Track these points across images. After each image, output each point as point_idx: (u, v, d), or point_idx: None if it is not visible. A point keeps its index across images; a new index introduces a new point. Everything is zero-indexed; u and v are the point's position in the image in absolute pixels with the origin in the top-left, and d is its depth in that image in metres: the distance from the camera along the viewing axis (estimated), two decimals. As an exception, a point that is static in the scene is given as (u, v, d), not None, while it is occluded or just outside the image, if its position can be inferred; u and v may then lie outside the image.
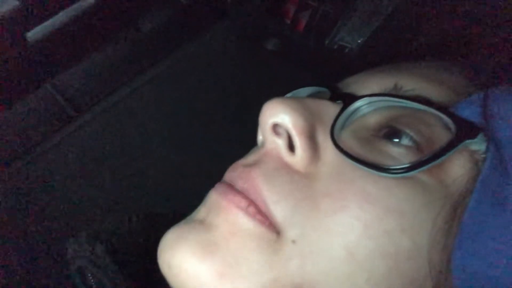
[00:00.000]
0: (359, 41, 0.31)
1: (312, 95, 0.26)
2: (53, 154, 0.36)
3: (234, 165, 0.23)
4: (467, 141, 0.19)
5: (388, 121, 0.21)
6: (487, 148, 0.19)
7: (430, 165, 0.19)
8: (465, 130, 0.19)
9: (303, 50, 0.36)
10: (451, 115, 0.20)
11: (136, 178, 0.35)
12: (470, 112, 0.20)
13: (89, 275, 0.30)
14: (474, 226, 0.19)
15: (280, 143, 0.21)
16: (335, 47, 0.33)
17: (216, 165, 0.27)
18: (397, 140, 0.21)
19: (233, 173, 0.22)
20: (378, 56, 0.29)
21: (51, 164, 0.36)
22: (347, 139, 0.21)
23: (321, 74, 0.38)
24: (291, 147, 0.21)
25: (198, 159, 0.37)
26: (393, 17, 0.27)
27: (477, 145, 0.20)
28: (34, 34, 0.26)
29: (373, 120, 0.22)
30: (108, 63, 0.34)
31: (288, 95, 0.26)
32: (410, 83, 0.22)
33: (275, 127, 0.21)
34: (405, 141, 0.20)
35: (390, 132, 0.21)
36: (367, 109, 0.22)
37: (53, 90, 0.35)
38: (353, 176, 0.20)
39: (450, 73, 0.23)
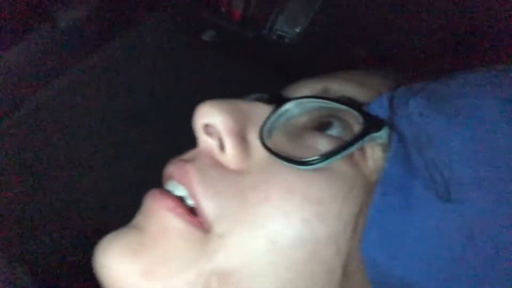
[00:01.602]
0: (297, 30, 0.30)
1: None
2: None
3: (172, 161, 0.24)
4: (373, 133, 0.21)
5: (317, 118, 0.23)
6: (390, 141, 0.21)
7: (339, 154, 0.20)
8: (371, 124, 0.21)
9: (240, 40, 0.34)
10: (360, 111, 0.21)
11: (66, 190, 0.32)
12: (380, 109, 0.21)
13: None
14: (378, 217, 0.19)
15: (211, 143, 0.23)
16: (274, 37, 0.32)
17: (156, 168, 0.26)
18: (326, 131, 0.23)
19: (170, 166, 0.24)
20: (316, 47, 0.28)
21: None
22: (279, 138, 0.23)
23: (261, 64, 0.36)
24: (222, 146, 0.23)
25: (135, 164, 0.35)
26: (327, 5, 0.26)
27: (383, 138, 0.21)
28: None
29: (304, 119, 0.24)
30: (22, 64, 0.30)
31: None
32: (337, 87, 0.24)
33: (207, 128, 0.23)
34: (333, 131, 0.23)
35: (321, 123, 0.23)
36: (297, 110, 0.23)
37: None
38: (278, 170, 0.21)
39: (373, 75, 0.25)
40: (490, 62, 0.23)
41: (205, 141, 0.23)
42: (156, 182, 0.26)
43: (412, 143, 0.20)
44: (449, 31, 0.25)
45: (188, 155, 0.24)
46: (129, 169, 0.35)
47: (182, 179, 0.22)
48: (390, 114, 0.21)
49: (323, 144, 0.22)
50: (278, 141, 0.23)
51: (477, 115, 0.20)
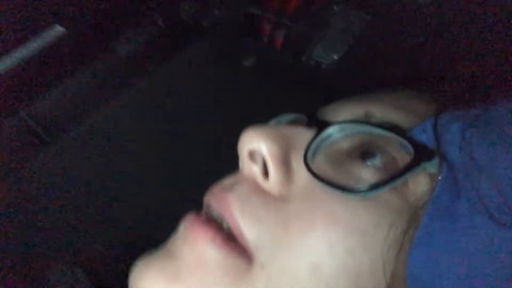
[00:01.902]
0: (335, 57, 0.31)
1: (292, 121, 0.28)
2: (29, 181, 0.35)
3: (212, 187, 0.24)
4: (424, 163, 0.21)
5: (360, 144, 0.23)
6: (440, 169, 0.21)
7: (389, 185, 0.20)
8: (422, 154, 0.21)
9: (280, 67, 0.36)
10: (410, 140, 0.21)
11: (117, 203, 0.34)
12: (425, 136, 0.21)
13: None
14: (425, 239, 0.20)
15: (255, 169, 0.23)
16: (312, 63, 0.34)
17: (199, 188, 0.27)
18: (369, 161, 0.22)
19: (210, 196, 0.23)
20: (353, 72, 0.29)
21: (27, 191, 0.35)
22: (321, 163, 0.22)
23: (300, 90, 0.38)
24: (266, 172, 0.22)
25: (180, 183, 0.37)
26: (363, 36, 0.27)
27: (434, 167, 0.21)
28: (3, 64, 0.26)
29: (346, 144, 0.23)
30: (84, 87, 0.34)
31: (270, 122, 0.28)
32: (379, 111, 0.23)
33: (251, 154, 0.23)
34: (376, 161, 0.22)
35: (363, 152, 0.22)
36: (339, 135, 0.23)
37: (27, 118, 0.34)
38: (323, 198, 0.21)
39: (416, 100, 0.25)
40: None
41: (248, 167, 0.23)
42: (199, 200, 0.27)
43: (459, 168, 0.20)
44: (490, 60, 0.25)
45: (229, 181, 0.24)
46: (175, 187, 0.37)
47: (221, 206, 0.22)
48: (435, 140, 0.21)
49: (367, 174, 0.22)
50: (321, 167, 0.22)
51: None
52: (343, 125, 0.23)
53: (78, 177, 0.35)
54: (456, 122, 0.21)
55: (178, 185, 0.37)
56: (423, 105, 0.24)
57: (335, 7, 0.26)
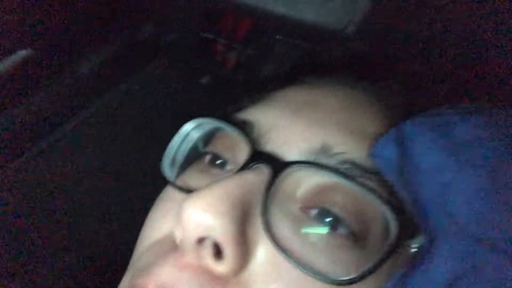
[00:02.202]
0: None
1: (216, 130, 0.25)
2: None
3: (147, 279, 0.18)
4: (407, 242, 0.19)
5: (317, 194, 0.20)
6: (421, 244, 0.19)
7: (372, 273, 0.18)
8: (406, 230, 0.19)
9: (232, 84, 0.40)
10: (396, 212, 0.19)
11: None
12: (388, 151, 0.20)
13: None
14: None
15: (205, 255, 0.18)
16: (262, 80, 0.38)
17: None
18: (333, 229, 0.19)
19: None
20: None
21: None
22: (278, 224, 0.19)
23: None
24: (217, 253, 0.18)
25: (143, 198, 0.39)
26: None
27: (416, 243, 0.20)
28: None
29: (301, 190, 0.20)
30: (47, 104, 0.35)
31: (189, 125, 0.25)
32: (339, 143, 0.21)
33: (201, 239, 0.18)
34: (342, 230, 0.19)
35: (322, 216, 0.20)
36: (297, 182, 0.20)
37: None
38: (291, 279, 0.18)
39: (364, 115, 0.23)
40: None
41: (196, 255, 0.18)
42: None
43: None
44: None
45: (166, 269, 0.19)
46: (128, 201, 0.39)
47: None
48: (402, 157, 0.20)
49: (334, 243, 0.19)
50: (280, 229, 0.19)
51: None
52: (302, 166, 0.20)
53: (42, 194, 0.36)
54: (418, 137, 0.20)
55: (132, 199, 0.39)
56: (371, 119, 0.23)
57: (277, 36, 0.30)
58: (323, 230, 0.19)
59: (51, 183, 0.37)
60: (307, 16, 0.28)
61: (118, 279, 0.22)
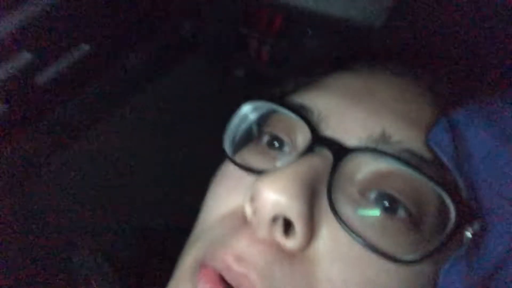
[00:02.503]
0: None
1: (272, 112, 0.27)
2: (47, 181, 0.40)
3: (224, 252, 0.20)
4: (465, 228, 0.20)
5: (375, 179, 0.21)
6: (476, 229, 0.20)
7: (432, 255, 0.19)
8: (464, 216, 0.20)
9: (266, 77, 0.43)
10: (454, 197, 0.20)
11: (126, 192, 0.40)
12: (443, 138, 0.21)
13: (93, 282, 0.35)
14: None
15: (276, 232, 0.20)
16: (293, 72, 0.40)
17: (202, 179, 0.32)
18: (391, 211, 0.20)
19: (226, 265, 0.20)
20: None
21: (49, 189, 0.40)
22: (341, 206, 0.20)
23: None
24: (286, 229, 0.20)
25: (183, 175, 0.43)
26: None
27: (472, 229, 0.20)
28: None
29: (360, 175, 0.21)
30: (96, 97, 0.39)
31: (247, 107, 0.26)
32: (398, 132, 0.22)
33: (275, 217, 0.20)
34: (400, 213, 0.20)
35: (381, 198, 0.21)
36: (358, 166, 0.21)
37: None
38: (353, 256, 0.20)
39: (421, 106, 0.23)
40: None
41: (269, 230, 0.20)
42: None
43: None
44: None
45: (240, 244, 0.20)
46: (178, 178, 0.43)
47: (244, 286, 0.19)
48: (455, 146, 0.20)
49: (393, 226, 0.20)
50: (343, 211, 0.20)
51: None
52: (363, 152, 0.21)
53: (89, 176, 0.41)
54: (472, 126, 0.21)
55: (182, 178, 0.43)
56: (428, 109, 0.23)
57: (309, 31, 0.32)
58: (382, 212, 0.21)
59: (108, 157, 0.41)
60: (336, 11, 0.30)
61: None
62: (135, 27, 0.40)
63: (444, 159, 0.21)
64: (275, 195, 0.19)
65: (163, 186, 0.43)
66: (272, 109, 0.26)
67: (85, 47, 0.33)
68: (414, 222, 0.20)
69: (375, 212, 0.21)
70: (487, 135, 0.21)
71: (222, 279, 0.20)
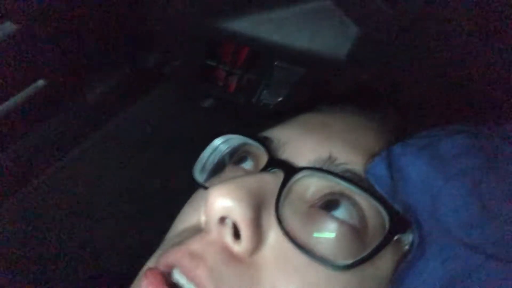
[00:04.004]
0: (279, 99, 0.38)
1: (242, 145, 0.30)
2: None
3: (178, 249, 0.22)
4: (399, 236, 0.22)
5: (322, 195, 0.24)
6: (413, 240, 0.22)
7: (367, 260, 0.21)
8: (398, 225, 0.22)
9: (234, 107, 0.42)
10: (387, 208, 0.22)
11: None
12: (380, 170, 0.23)
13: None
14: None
15: (225, 234, 0.22)
16: (261, 104, 0.40)
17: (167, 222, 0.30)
18: (334, 212, 0.23)
19: (175, 259, 0.22)
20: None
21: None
22: (288, 217, 0.22)
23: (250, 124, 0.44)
24: (236, 234, 0.22)
25: (148, 211, 0.41)
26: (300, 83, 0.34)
27: (407, 237, 0.22)
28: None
29: (310, 192, 0.24)
30: (55, 132, 0.37)
31: (219, 140, 0.30)
32: (343, 156, 0.24)
33: (222, 218, 0.22)
34: (342, 214, 0.23)
35: (327, 203, 0.23)
36: (306, 183, 0.24)
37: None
38: (297, 264, 0.21)
39: (368, 135, 0.27)
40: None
41: (218, 231, 0.22)
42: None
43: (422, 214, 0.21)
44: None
45: (194, 245, 0.22)
46: (144, 221, 0.41)
47: (193, 279, 0.21)
48: (391, 177, 0.22)
49: (332, 227, 0.22)
50: (289, 221, 0.22)
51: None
52: (311, 171, 0.23)
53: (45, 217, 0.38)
54: (409, 156, 0.23)
55: (148, 219, 0.41)
56: (373, 138, 0.26)
57: (276, 62, 0.32)
58: (328, 224, 0.22)
59: (58, 206, 0.38)
60: (301, 43, 0.30)
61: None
62: (97, 59, 0.39)
63: (379, 190, 0.23)
64: (221, 198, 0.21)
65: (127, 225, 0.41)
66: (242, 141, 0.29)
67: (41, 83, 0.31)
68: (357, 232, 0.22)
69: (322, 224, 0.22)
70: (422, 161, 0.23)
71: (166, 281, 0.21)
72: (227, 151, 0.31)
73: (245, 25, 0.30)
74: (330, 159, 0.24)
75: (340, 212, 0.23)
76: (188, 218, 0.26)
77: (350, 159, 0.24)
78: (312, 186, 0.24)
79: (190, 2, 0.32)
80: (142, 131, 0.45)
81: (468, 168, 0.22)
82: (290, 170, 0.24)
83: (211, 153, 0.30)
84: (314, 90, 0.33)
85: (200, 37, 0.34)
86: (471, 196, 0.21)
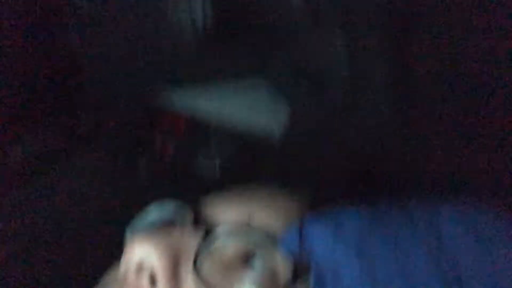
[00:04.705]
0: (215, 169, 0.38)
1: (174, 212, 0.30)
2: None
3: None
4: (301, 278, 0.24)
5: (239, 253, 0.25)
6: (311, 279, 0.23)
7: None
8: (299, 269, 0.24)
9: (170, 174, 0.41)
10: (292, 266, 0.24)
11: None
12: (291, 238, 0.25)
13: None
14: None
15: (142, 279, 0.23)
16: (197, 173, 0.40)
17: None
18: (251, 264, 0.24)
19: None
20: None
21: None
22: (208, 268, 0.24)
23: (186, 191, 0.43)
24: (154, 281, 0.23)
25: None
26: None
27: (307, 280, 0.24)
28: None
29: (229, 251, 0.25)
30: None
31: (154, 205, 0.30)
32: (260, 220, 0.27)
33: (139, 266, 0.23)
34: (257, 262, 0.24)
35: (246, 252, 0.25)
36: (225, 240, 0.25)
37: None
38: None
39: (285, 200, 0.29)
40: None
41: (135, 279, 0.24)
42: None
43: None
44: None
45: None
46: None
47: None
48: (300, 244, 0.25)
49: (248, 279, 0.24)
50: (209, 272, 0.24)
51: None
52: (229, 231, 0.25)
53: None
54: (320, 228, 0.25)
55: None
56: (289, 204, 0.29)
57: (213, 133, 0.33)
58: (247, 274, 0.24)
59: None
60: (237, 117, 0.31)
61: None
62: (26, 117, 0.37)
63: (287, 254, 0.25)
64: (138, 245, 0.23)
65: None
66: (176, 206, 0.30)
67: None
68: (272, 281, 0.24)
69: (241, 276, 0.24)
70: (326, 234, 0.25)
71: None
72: (159, 216, 0.31)
73: (184, 95, 0.31)
74: (248, 222, 0.26)
75: (256, 262, 0.25)
76: (112, 273, 0.27)
77: (268, 223, 0.26)
78: (231, 244, 0.26)
79: (131, 70, 0.32)
80: (68, 196, 0.42)
81: (368, 245, 0.24)
82: (208, 229, 0.26)
83: (145, 220, 0.31)
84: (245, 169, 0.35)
85: (136, 105, 0.34)
86: (368, 274, 0.23)
